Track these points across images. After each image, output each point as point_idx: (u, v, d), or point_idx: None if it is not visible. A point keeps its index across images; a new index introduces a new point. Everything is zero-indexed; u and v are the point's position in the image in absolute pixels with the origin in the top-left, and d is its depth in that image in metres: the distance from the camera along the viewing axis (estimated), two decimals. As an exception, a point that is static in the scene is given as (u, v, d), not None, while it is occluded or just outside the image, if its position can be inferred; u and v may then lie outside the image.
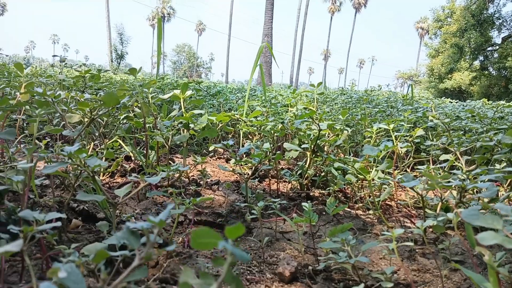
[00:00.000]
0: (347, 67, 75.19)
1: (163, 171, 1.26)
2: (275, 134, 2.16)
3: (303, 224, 1.43)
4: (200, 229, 0.57)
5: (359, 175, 1.55)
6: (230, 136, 2.68)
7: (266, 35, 31.12)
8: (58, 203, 1.43)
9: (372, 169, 1.66)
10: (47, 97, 1.48)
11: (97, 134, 1.75)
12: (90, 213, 1.44)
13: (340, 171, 1.67)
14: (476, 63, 33.55)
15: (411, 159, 2.58)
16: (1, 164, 1.40)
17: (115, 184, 1.79)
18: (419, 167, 2.51)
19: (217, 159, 2.44)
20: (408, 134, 2.24)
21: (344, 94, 5.90)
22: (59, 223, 0.89)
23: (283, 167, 2.30)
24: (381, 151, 1.52)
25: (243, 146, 2.53)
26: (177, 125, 1.72)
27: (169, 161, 2.05)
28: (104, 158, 1.75)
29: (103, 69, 3.46)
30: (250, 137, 2.35)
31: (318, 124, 1.62)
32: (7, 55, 8.47)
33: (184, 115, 1.71)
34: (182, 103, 1.80)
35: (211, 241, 0.55)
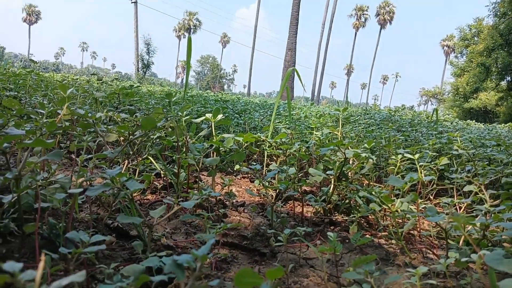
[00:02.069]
0: (370, 83, 74.70)
1: (195, 194, 1.33)
2: (300, 157, 2.21)
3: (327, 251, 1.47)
4: (244, 269, 0.63)
5: (383, 205, 1.58)
6: (255, 155, 2.74)
7: (289, 49, 31.31)
8: (94, 220, 1.51)
9: (397, 198, 1.69)
10: (89, 118, 1.58)
11: (131, 153, 1.84)
12: (123, 230, 1.52)
13: (364, 199, 1.71)
14: (503, 83, 32.81)
15: (435, 185, 2.59)
16: (43, 180, 1.50)
17: (145, 201, 1.87)
18: (443, 195, 2.51)
19: (242, 178, 2.50)
20: (432, 162, 2.26)
21: (367, 114, 5.91)
22: (103, 246, 0.96)
23: (307, 189, 2.34)
24: (406, 183, 1.55)
25: (267, 166, 2.59)
26: (207, 147, 1.79)
27: (197, 179, 2.13)
28: (138, 177, 1.84)
29: (134, 83, 3.60)
30: (275, 158, 2.41)
31: (344, 152, 1.66)
32: (36, 62, 8.80)
33: (214, 137, 1.79)
34: (212, 126, 1.87)
35: (254, 281, 0.61)
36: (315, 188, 2.32)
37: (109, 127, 1.77)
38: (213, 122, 1.88)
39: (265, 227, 1.66)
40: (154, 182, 2.00)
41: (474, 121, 18.62)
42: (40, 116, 1.52)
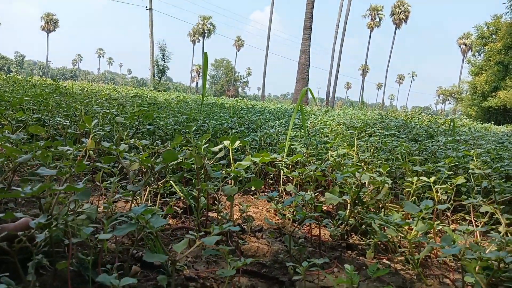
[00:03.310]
0: (386, 83, 73.90)
1: (215, 228, 1.38)
2: (316, 177, 2.25)
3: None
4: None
5: (398, 232, 1.61)
6: (272, 174, 2.79)
7: (303, 52, 31.27)
8: (119, 252, 1.58)
9: (413, 220, 1.71)
10: (113, 151, 1.65)
11: (152, 179, 1.91)
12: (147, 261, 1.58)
13: (380, 225, 1.73)
14: (523, 81, 32.12)
15: (451, 201, 2.59)
16: (71, 212, 1.57)
17: (167, 226, 1.93)
18: (460, 210, 2.50)
19: (258, 198, 2.55)
20: (448, 181, 2.27)
21: (382, 122, 5.89)
22: (133, 289, 1.02)
23: (324, 208, 2.37)
24: (421, 211, 1.58)
25: (284, 184, 2.63)
26: (225, 175, 1.85)
27: (215, 201, 2.19)
28: (160, 201, 1.91)
29: (152, 101, 3.69)
30: (291, 178, 2.45)
31: (360, 180, 1.70)
32: (58, 81, 9.06)
33: (232, 165, 1.84)
34: (231, 153, 1.93)
35: None
36: (332, 209, 2.36)
37: (131, 156, 1.84)
38: (231, 149, 1.93)
39: (283, 254, 1.71)
40: (175, 207, 2.07)
41: (492, 122, 18.27)
42: (69, 152, 1.60)
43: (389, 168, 2.52)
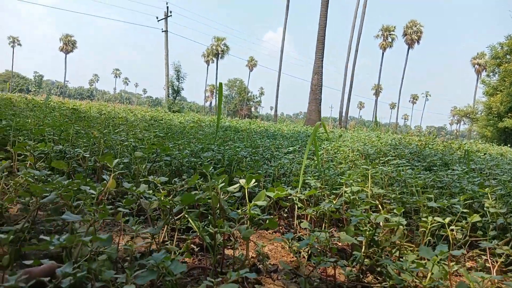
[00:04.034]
0: (399, 103, 73.62)
1: (232, 275, 1.41)
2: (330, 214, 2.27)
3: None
4: None
5: (413, 277, 1.62)
6: (286, 208, 2.82)
7: (316, 73, 31.50)
8: (140, 293, 1.61)
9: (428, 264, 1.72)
10: (134, 192, 1.71)
11: (170, 217, 1.95)
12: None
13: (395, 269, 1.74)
14: (540, 102, 31.73)
15: (467, 237, 2.57)
16: (92, 252, 1.62)
17: (181, 261, 1.96)
18: (476, 246, 2.48)
19: (274, 233, 2.57)
20: (463, 220, 2.27)
21: (396, 149, 5.88)
22: None
23: (338, 246, 2.38)
24: (436, 256, 1.59)
25: (298, 219, 2.65)
26: (241, 215, 1.88)
27: (230, 237, 2.22)
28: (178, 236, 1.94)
29: (168, 125, 3.77)
30: (305, 213, 2.48)
31: (374, 223, 1.72)
32: (82, 112, 9.30)
33: (248, 205, 1.88)
34: (246, 193, 1.97)
35: None
36: (347, 244, 2.37)
37: (150, 193, 1.89)
38: (246, 188, 1.98)
39: (299, 298, 1.72)
40: (191, 245, 2.11)
41: (509, 145, 17.99)
42: (93, 194, 1.66)
43: (403, 204, 2.52)
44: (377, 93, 71.55)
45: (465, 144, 8.88)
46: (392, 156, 5.38)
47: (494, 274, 2.16)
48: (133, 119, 9.68)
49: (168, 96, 39.98)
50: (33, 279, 1.26)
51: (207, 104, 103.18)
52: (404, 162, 4.44)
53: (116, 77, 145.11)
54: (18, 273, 1.39)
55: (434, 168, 4.49)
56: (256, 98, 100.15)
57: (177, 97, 41.09)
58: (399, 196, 2.80)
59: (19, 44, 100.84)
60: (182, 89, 40.13)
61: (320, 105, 32.33)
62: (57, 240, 1.21)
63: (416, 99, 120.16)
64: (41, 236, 1.33)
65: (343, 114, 48.59)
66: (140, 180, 2.48)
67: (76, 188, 1.84)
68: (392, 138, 8.36)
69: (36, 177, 2.25)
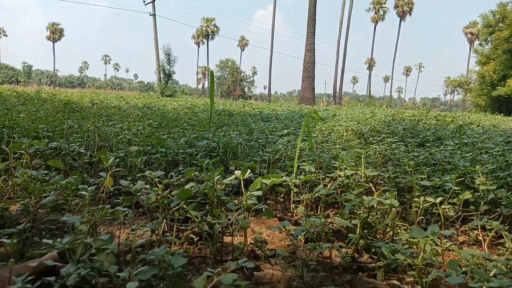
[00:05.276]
0: (393, 76, 73.43)
1: (230, 266, 1.46)
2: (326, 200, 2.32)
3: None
4: None
5: (406, 257, 1.68)
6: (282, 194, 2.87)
7: (308, 51, 31.24)
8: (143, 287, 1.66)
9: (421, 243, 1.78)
10: (131, 189, 1.75)
11: (168, 211, 2.00)
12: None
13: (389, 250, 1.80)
14: (532, 69, 31.79)
15: (459, 212, 2.64)
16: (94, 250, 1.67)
17: (184, 254, 2.02)
18: (470, 220, 2.55)
19: (271, 218, 2.62)
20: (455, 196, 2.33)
21: (390, 126, 5.93)
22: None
23: (335, 227, 2.45)
24: (428, 236, 1.65)
25: (294, 203, 2.70)
26: (238, 206, 1.93)
27: (229, 225, 2.27)
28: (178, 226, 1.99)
29: (162, 113, 3.78)
30: (301, 198, 2.53)
31: (368, 208, 1.77)
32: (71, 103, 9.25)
33: (245, 195, 1.92)
34: (242, 184, 2.01)
35: None
36: (343, 227, 2.43)
37: (147, 189, 1.93)
38: (242, 179, 2.02)
39: (297, 281, 1.79)
40: (191, 235, 2.16)
41: (502, 114, 18.10)
42: (88, 190, 1.69)
43: (396, 184, 2.58)
44: (370, 67, 71.24)
45: (458, 116, 8.96)
46: (385, 133, 5.43)
47: (485, 247, 2.23)
48: (125, 107, 9.64)
49: (160, 81, 39.61)
50: (38, 278, 1.31)
51: (200, 86, 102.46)
52: (398, 139, 4.49)
53: (106, 63, 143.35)
54: (21, 266, 1.44)
55: (427, 144, 4.55)
56: (249, 78, 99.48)
57: (169, 81, 40.71)
58: (393, 176, 2.85)
59: (5, 35, 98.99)
60: (174, 72, 39.73)
61: (314, 82, 32.20)
62: (60, 243, 1.25)
63: (410, 71, 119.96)
64: (44, 240, 1.36)
65: (337, 90, 48.40)
66: (137, 174, 2.51)
67: (74, 187, 1.87)
68: (386, 114, 8.40)
69: (33, 176, 2.27)
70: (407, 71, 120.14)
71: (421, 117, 7.25)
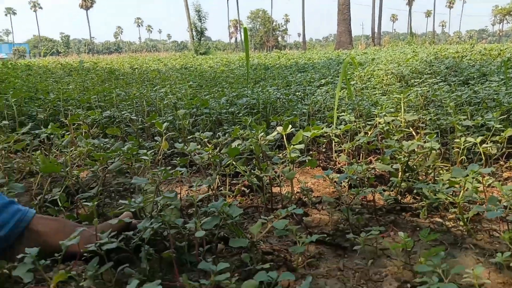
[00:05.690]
0: (435, 9, 68.70)
1: (281, 212, 1.63)
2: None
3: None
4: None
5: (448, 195, 1.77)
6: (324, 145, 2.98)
7: (342, -9, 29.79)
8: (206, 236, 1.88)
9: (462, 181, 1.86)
10: (186, 151, 1.93)
11: (220, 168, 2.19)
12: (228, 237, 1.89)
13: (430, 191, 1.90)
14: None
15: (504, 149, 2.64)
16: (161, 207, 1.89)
17: (238, 205, 2.22)
18: None
19: (315, 168, 2.76)
20: (498, 135, 2.35)
21: (432, 66, 5.74)
22: (227, 274, 1.30)
23: (377, 172, 2.55)
24: (468, 175, 1.72)
25: (336, 152, 2.81)
26: (283, 160, 2.07)
27: (275, 177, 2.43)
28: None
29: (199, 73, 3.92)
30: (342, 148, 2.63)
31: (408, 151, 1.85)
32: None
33: (288, 148, 2.06)
34: (285, 139, 2.14)
35: None
36: (385, 172, 2.53)
37: (199, 149, 2.11)
38: (284, 135, 2.15)
39: (343, 223, 1.94)
40: (242, 187, 2.35)
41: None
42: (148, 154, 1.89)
43: (438, 126, 2.60)
44: (410, 2, 66.86)
45: (505, 48, 8.42)
46: (427, 74, 5.29)
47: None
48: (164, 70, 9.87)
49: (193, 39, 39.47)
50: (119, 234, 1.53)
51: (232, 40, 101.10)
52: (440, 80, 4.39)
53: (139, 26, 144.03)
54: (103, 224, 1.68)
55: (471, 82, 4.41)
56: (282, 27, 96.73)
57: (202, 38, 40.50)
58: (434, 118, 2.87)
59: (40, 8, 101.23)
60: (206, 29, 39.42)
61: (350, 25, 30.91)
62: (134, 203, 1.46)
63: (453, 3, 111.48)
64: (120, 201, 1.58)
65: (375, 31, 46.22)
66: (186, 136, 2.71)
67: (135, 152, 2.08)
68: (428, 53, 8.05)
69: (96, 145, 2.52)
70: (450, 2, 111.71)
71: (465, 53, 6.92)
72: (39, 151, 2.74)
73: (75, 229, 1.44)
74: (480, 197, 2.04)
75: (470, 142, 2.06)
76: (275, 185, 2.40)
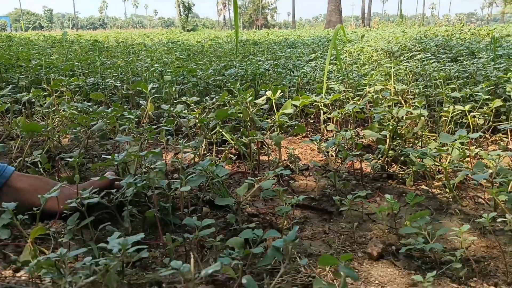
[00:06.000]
0: (425, -8, 68.35)
1: (269, 173, 1.61)
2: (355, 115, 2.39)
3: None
4: (325, 255, 0.91)
5: (435, 162, 1.77)
6: (312, 116, 2.95)
7: (333, -30, 29.38)
8: (191, 198, 1.86)
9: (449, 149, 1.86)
10: (172, 113, 1.88)
11: (207, 132, 2.14)
12: (213, 201, 1.86)
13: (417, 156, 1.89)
14: None
15: (490, 123, 2.66)
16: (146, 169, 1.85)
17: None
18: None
19: (302, 138, 2.74)
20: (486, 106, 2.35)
21: (421, 43, 5.72)
22: (212, 229, 1.28)
23: (365, 142, 2.54)
24: (455, 140, 1.72)
25: (324, 123, 2.79)
26: (271, 124, 2.04)
27: (263, 145, 2.41)
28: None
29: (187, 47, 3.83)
30: (331, 117, 2.61)
31: (396, 116, 1.83)
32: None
33: (276, 114, 2.02)
34: (273, 104, 2.11)
35: (333, 262, 0.89)
36: (372, 141, 2.52)
37: (186, 113, 2.06)
38: (273, 99, 2.10)
39: (330, 189, 1.93)
40: (229, 154, 2.31)
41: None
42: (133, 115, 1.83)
43: (426, 97, 2.59)
44: (400, -16, 66.43)
45: (494, 29, 8.45)
46: (417, 51, 5.28)
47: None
48: (150, 43, 9.66)
49: (180, 15, 38.68)
50: (99, 189, 1.49)
51: (221, 18, 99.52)
52: (429, 55, 4.38)
53: (125, 0, 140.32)
54: (86, 183, 1.64)
55: (460, 58, 4.41)
56: (271, 4, 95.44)
57: (189, 15, 39.72)
58: (423, 90, 2.86)
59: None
60: (193, 4, 38.61)
61: (340, 4, 30.63)
62: (117, 158, 1.41)
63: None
64: (103, 156, 1.53)
65: (365, 11, 45.95)
66: (173, 101, 2.65)
67: (119, 115, 2.02)
68: (417, 32, 8.03)
69: (79, 109, 2.44)
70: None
71: (455, 32, 6.91)
72: (21, 116, 2.66)
73: None
74: (466, 166, 2.05)
75: (459, 110, 2.05)
76: (263, 153, 2.38)
